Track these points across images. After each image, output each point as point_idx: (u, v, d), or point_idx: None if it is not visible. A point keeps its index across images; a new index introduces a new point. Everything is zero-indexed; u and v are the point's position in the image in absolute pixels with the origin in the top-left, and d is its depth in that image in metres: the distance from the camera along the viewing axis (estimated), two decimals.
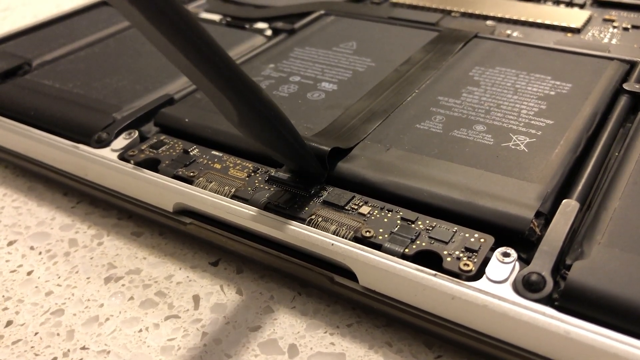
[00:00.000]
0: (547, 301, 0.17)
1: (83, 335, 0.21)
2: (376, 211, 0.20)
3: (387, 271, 0.18)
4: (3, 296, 0.22)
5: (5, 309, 0.22)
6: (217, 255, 0.24)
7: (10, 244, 0.25)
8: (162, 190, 0.23)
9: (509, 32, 0.34)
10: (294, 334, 0.20)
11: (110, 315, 0.21)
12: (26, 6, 0.53)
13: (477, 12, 0.36)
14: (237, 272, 0.23)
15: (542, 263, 0.18)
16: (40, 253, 0.24)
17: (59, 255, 0.24)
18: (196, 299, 0.22)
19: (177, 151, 0.24)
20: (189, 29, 0.15)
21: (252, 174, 0.23)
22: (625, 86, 0.26)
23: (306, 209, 0.21)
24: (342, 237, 0.19)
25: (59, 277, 0.23)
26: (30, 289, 0.23)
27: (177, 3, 0.15)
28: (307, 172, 0.21)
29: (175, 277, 0.23)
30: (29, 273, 0.23)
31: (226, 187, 0.22)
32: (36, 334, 0.21)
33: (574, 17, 0.35)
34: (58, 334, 0.21)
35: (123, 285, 0.23)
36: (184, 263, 0.23)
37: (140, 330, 0.21)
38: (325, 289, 0.21)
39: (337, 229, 0.20)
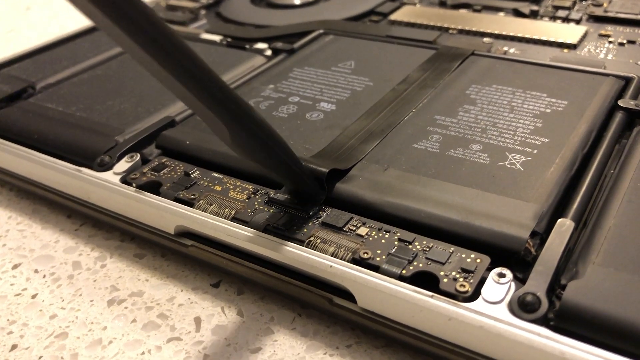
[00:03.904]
0: (543, 321, 0.17)
1: (86, 358, 0.21)
2: (374, 232, 0.21)
3: (384, 293, 0.19)
4: (8, 320, 0.23)
5: (10, 332, 0.22)
6: (218, 276, 0.24)
7: (15, 267, 0.25)
8: (163, 213, 0.23)
9: (505, 48, 0.34)
10: (294, 355, 0.20)
11: (113, 338, 0.22)
12: (30, 27, 0.54)
13: (474, 29, 0.36)
14: (238, 294, 0.23)
15: (537, 283, 0.18)
16: (44, 276, 0.25)
17: (63, 278, 0.24)
18: (197, 320, 0.22)
19: (178, 173, 0.25)
20: (178, 52, 0.15)
21: (252, 196, 0.23)
22: (621, 103, 0.26)
23: (305, 230, 0.21)
24: (341, 259, 0.20)
25: (63, 300, 0.23)
26: (35, 312, 0.23)
27: (166, 28, 0.15)
28: (304, 191, 0.22)
29: (177, 299, 0.23)
30: (34, 296, 0.24)
31: (226, 210, 0.22)
32: (40, 357, 0.21)
33: (570, 33, 0.35)
34: (62, 358, 0.21)
35: (126, 307, 0.23)
36: (185, 285, 0.24)
37: (143, 353, 0.21)
38: (325, 310, 0.21)
39: (335, 250, 0.20)
